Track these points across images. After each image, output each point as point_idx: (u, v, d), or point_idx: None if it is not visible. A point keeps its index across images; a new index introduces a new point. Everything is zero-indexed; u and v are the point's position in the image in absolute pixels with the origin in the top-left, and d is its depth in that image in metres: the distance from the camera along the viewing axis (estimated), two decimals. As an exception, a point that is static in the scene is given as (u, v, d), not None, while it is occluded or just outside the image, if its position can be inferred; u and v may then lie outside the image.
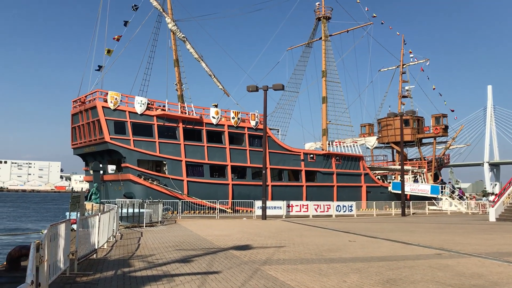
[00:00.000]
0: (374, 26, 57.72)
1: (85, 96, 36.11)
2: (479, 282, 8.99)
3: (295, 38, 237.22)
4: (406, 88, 62.57)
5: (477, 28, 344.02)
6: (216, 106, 39.82)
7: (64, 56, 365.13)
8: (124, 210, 23.89)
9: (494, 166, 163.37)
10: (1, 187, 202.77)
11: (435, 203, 48.19)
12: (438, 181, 58.33)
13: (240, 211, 35.12)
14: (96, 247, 12.06)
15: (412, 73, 68.54)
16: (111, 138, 33.59)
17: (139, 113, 35.04)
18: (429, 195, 48.22)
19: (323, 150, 48.83)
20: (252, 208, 32.95)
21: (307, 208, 34.22)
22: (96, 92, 34.88)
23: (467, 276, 9.69)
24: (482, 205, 44.62)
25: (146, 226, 22.69)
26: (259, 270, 10.19)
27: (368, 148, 55.79)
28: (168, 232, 20.19)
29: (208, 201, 34.41)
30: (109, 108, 33.94)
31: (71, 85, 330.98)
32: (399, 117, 51.03)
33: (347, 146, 50.38)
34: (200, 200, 35.06)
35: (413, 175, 55.64)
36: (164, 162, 35.90)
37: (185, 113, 37.69)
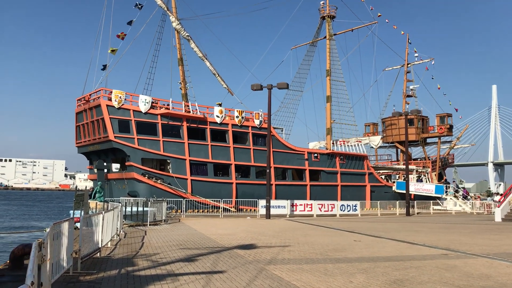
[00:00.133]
0: (378, 25, 57.49)
1: (90, 95, 36.10)
2: (488, 284, 8.85)
3: (299, 37, 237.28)
4: (411, 87, 62.28)
5: (482, 28, 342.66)
6: (220, 105, 39.74)
7: (69, 54, 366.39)
8: (128, 209, 23.83)
9: (499, 166, 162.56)
10: (6, 185, 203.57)
11: (440, 203, 47.95)
12: (443, 180, 58.06)
13: (244, 210, 35.03)
14: (100, 246, 11.98)
15: (416, 73, 68.39)
16: (115, 137, 33.56)
17: (143, 111, 35.00)
18: (434, 194, 47.99)
19: (327, 149, 48.66)
20: (256, 207, 32.86)
21: (311, 207, 34.09)
22: (100, 90, 34.87)
23: (475, 277, 9.55)
24: (487, 205, 44.35)
25: (150, 225, 22.62)
26: (264, 270, 10.09)
27: (372, 147, 55.53)
28: (172, 231, 20.12)
29: (212, 200, 34.35)
30: (114, 106, 33.91)
31: (76, 83, 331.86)
32: (403, 117, 50.81)
33: (351, 145, 50.18)
34: (204, 199, 34.99)
35: (417, 175, 55.38)
36: (168, 161, 35.85)
37: (189, 112, 37.62)
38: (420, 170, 56.34)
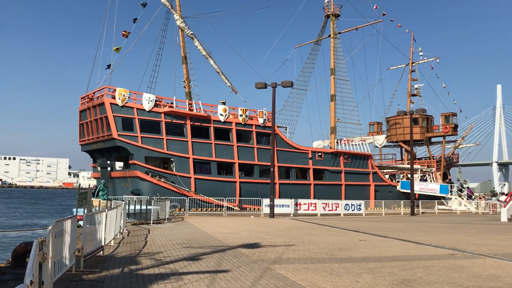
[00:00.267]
0: (383, 24, 57.24)
1: (93, 93, 36.05)
2: (497, 284, 8.68)
3: (303, 36, 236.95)
4: (416, 86, 61.95)
5: (487, 27, 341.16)
6: (224, 103, 39.60)
7: (73, 52, 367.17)
8: (132, 207, 23.75)
9: (503, 166, 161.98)
10: (10, 183, 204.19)
11: (444, 202, 47.69)
12: (447, 180, 57.77)
13: (248, 209, 34.90)
14: (103, 244, 11.87)
15: (421, 71, 68.00)
16: (118, 135, 33.48)
17: (147, 110, 34.91)
18: (438, 194, 47.74)
19: (331, 148, 48.47)
20: (260, 206, 32.72)
21: (315, 206, 33.92)
22: (104, 88, 34.80)
23: (484, 277, 9.38)
24: (492, 205, 44.07)
25: (153, 223, 22.52)
26: (269, 269, 9.95)
27: (376, 146, 55.32)
28: (176, 229, 20.01)
29: (215, 199, 34.24)
30: (117, 104, 33.83)
31: (80, 81, 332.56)
32: (408, 116, 50.54)
33: (355, 144, 49.95)
34: (207, 197, 34.89)
35: (421, 174, 55.11)
36: (172, 159, 35.76)
37: (193, 110, 37.50)
38: (424, 170, 56.07)
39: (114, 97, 33.98)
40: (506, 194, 45.20)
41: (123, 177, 35.48)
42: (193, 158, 36.21)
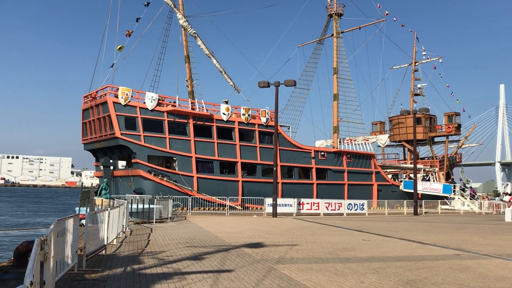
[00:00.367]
0: (386, 23, 57.04)
1: (96, 92, 36.00)
2: (504, 285, 8.56)
3: (306, 35, 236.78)
4: (418, 86, 61.79)
5: (490, 27, 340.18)
6: (226, 102, 39.51)
7: (76, 51, 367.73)
8: (134, 206, 23.69)
9: (506, 166, 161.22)
10: (13, 182, 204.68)
11: (447, 202, 47.51)
12: (450, 180, 57.58)
13: (250, 208, 34.82)
14: (106, 243, 11.79)
15: (424, 71, 67.77)
16: (121, 134, 33.44)
17: (149, 109, 34.85)
18: (441, 194, 47.58)
19: (334, 147, 48.34)
20: (262, 205, 32.63)
21: (318, 206, 33.81)
22: (107, 87, 34.76)
23: (491, 278, 9.26)
24: (496, 205, 43.88)
25: (156, 222, 22.44)
26: (272, 269, 9.85)
27: (379, 146, 55.12)
28: (178, 228, 19.93)
29: (218, 198, 34.16)
30: (120, 103, 33.79)
31: (83, 80, 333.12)
32: (411, 115, 50.39)
33: (358, 144, 49.78)
34: (210, 196, 34.82)
35: (424, 174, 54.92)
36: (174, 158, 35.70)
37: (196, 109, 37.43)
38: (427, 169, 55.88)
39: (117, 96, 33.95)
40: (510, 194, 44.97)
41: (125, 176, 35.45)
42: (196, 157, 36.15)
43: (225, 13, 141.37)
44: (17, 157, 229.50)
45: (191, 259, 11.14)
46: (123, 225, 16.32)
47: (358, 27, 53.17)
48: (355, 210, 35.53)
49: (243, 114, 39.24)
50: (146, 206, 23.84)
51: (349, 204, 35.63)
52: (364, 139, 50.53)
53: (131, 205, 22.99)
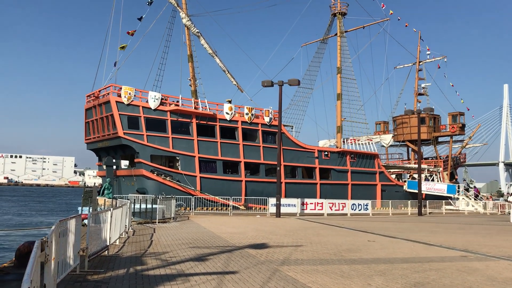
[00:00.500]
0: (390, 22, 56.70)
1: (99, 91, 35.91)
2: (514, 288, 8.38)
3: (310, 34, 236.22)
4: (423, 85, 61.42)
5: (494, 26, 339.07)
6: (230, 102, 39.35)
7: (79, 51, 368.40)
8: (137, 206, 23.57)
9: (510, 166, 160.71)
10: (16, 182, 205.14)
11: (452, 202, 47.24)
12: (454, 180, 57.28)
13: (253, 208, 34.66)
14: (108, 244, 11.66)
15: (428, 70, 67.40)
16: (124, 133, 33.34)
17: (152, 108, 34.74)
18: (446, 194, 47.30)
19: (337, 147, 48.12)
20: (266, 205, 32.47)
21: (321, 206, 33.62)
22: (110, 86, 34.65)
23: (500, 281, 9.08)
24: (500, 206, 43.59)
25: (158, 222, 22.32)
26: (277, 271, 9.70)
27: (383, 146, 54.87)
28: (181, 228, 19.80)
29: (221, 198, 34.01)
30: (123, 103, 33.68)
31: (85, 80, 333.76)
32: (415, 115, 50.09)
33: (361, 143, 49.55)
34: (213, 196, 34.69)
35: (428, 174, 54.64)
36: (177, 158, 35.57)
37: (199, 108, 37.30)
38: (431, 170, 55.60)
39: (119, 95, 33.84)
40: (515, 195, 44.70)
41: (128, 175, 35.35)
42: (199, 157, 36.02)
43: (228, 12, 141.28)
44: (20, 157, 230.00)
45: (195, 260, 11.00)
46: (125, 225, 16.20)
47: (362, 26, 52.95)
48: (359, 210, 35.33)
49: (247, 114, 39.08)
50: (149, 206, 23.73)
51: (353, 204, 35.43)
52: (367, 139, 50.29)
53: (134, 205, 22.87)
